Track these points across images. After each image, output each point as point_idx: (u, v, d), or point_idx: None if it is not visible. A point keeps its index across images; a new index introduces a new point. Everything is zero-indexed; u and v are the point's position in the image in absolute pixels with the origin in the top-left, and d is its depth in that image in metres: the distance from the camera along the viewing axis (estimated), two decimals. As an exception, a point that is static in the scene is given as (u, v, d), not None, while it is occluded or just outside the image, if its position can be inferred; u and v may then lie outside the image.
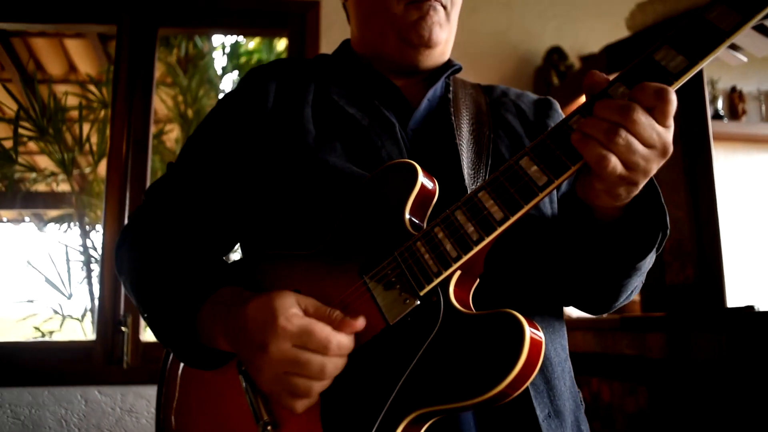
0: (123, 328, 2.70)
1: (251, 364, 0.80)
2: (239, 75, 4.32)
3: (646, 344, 2.11)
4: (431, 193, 0.89)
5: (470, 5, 3.25)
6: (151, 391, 2.63)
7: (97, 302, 3.97)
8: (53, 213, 4.90)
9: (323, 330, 0.76)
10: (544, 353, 0.81)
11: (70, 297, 3.93)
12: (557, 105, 1.17)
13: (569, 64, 3.09)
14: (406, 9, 1.02)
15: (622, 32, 2.75)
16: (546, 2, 3.31)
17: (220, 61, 4.41)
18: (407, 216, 0.86)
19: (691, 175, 2.14)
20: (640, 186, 0.77)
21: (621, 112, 0.71)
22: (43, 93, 4.47)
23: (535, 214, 0.98)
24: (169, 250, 0.99)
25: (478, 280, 0.85)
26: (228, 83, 4.37)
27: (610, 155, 0.72)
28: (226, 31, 3.49)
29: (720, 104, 3.38)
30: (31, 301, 4.22)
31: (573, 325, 2.58)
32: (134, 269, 1.01)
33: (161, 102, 4.56)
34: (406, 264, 0.83)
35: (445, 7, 1.04)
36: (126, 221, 0.97)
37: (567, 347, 1.03)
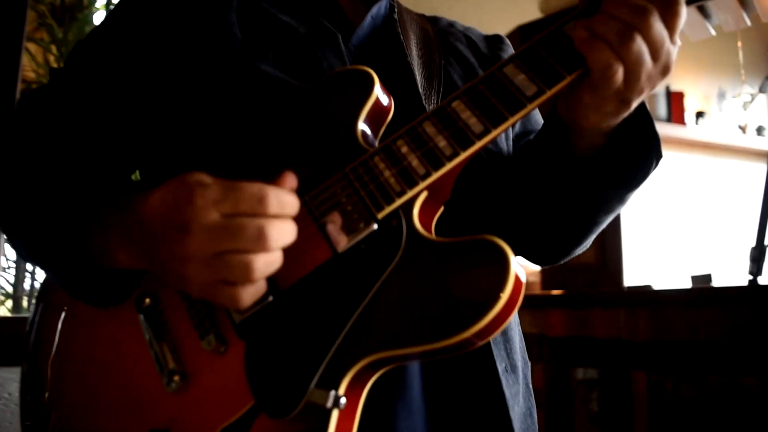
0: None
1: (171, 264, 0.62)
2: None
3: (548, 322, 2.14)
4: (386, 109, 0.75)
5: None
6: (2, 373, 2.33)
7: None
8: None
9: (254, 185, 0.60)
10: None
11: None
12: (508, 41, 1.08)
13: (474, 48, 3.11)
14: None
15: (526, 19, 2.79)
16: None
17: (101, 16, 4.02)
18: (360, 127, 0.72)
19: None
20: (632, 106, 0.68)
21: (637, 12, 0.62)
22: None
23: (492, 149, 0.89)
24: (52, 162, 0.78)
25: (442, 208, 0.71)
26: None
27: (617, 63, 0.62)
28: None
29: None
30: None
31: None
32: (4, 182, 0.80)
33: (29, 58, 4.09)
34: (360, 182, 0.68)
35: None
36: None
37: None
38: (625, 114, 0.69)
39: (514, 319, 0.87)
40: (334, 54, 0.84)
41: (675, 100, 3.80)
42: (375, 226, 0.66)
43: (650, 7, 0.62)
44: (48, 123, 0.83)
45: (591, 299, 2.01)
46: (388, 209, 0.66)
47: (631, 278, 2.14)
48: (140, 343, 0.72)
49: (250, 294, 0.60)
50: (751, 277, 1.89)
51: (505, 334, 0.83)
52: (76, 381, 0.79)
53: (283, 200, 0.61)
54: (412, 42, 0.92)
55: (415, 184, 0.66)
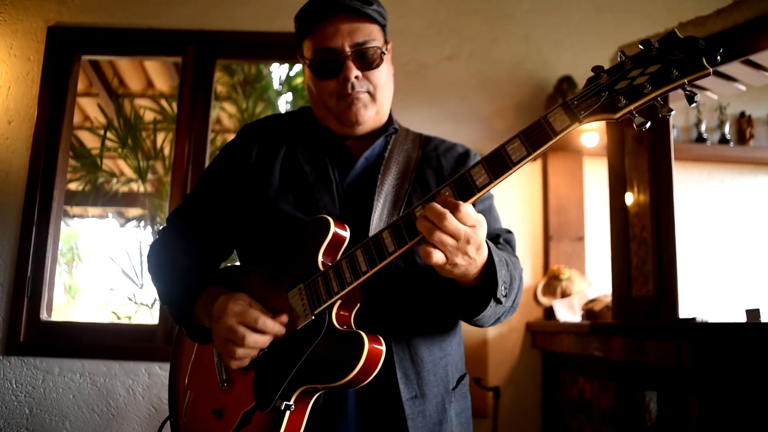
0: (180, 315, 3.20)
1: (213, 333, 1.25)
2: (293, 95, 4.80)
3: (610, 347, 2.41)
4: (342, 238, 1.26)
5: (490, 36, 3.59)
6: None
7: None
8: (133, 212, 5.56)
9: (254, 312, 1.19)
10: (418, 354, 1.25)
11: (141, 287, 4.50)
12: (474, 153, 1.50)
13: (579, 92, 3.38)
14: (337, 102, 1.39)
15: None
16: (563, 32, 3.58)
17: (276, 81, 4.89)
18: (320, 258, 1.25)
19: (655, 205, 2.42)
20: (463, 265, 1.08)
21: (436, 216, 1.03)
22: (121, 105, 5.09)
23: (419, 263, 1.34)
24: (177, 259, 1.45)
25: (358, 305, 1.24)
26: (283, 101, 4.90)
27: (430, 248, 1.05)
28: (277, 61, 3.96)
29: (727, 129, 3.56)
30: (112, 290, 4.84)
31: (559, 329, 2.91)
32: (157, 272, 1.48)
33: (225, 113, 5.15)
34: (308, 291, 1.23)
35: (369, 92, 1.38)
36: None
37: (447, 349, 1.37)
38: (464, 268, 1.10)
39: (434, 363, 1.32)
40: (328, 195, 1.37)
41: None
42: (312, 317, 1.22)
43: (443, 211, 1.04)
44: (176, 234, 1.52)
45: (643, 328, 2.26)
46: (319, 308, 1.21)
47: (687, 310, 2.34)
48: (212, 363, 1.35)
49: (236, 364, 1.23)
50: (783, 315, 2.02)
51: (419, 374, 1.30)
52: (191, 374, 1.45)
53: (267, 324, 1.21)
54: (391, 175, 1.39)
55: (332, 296, 1.20)
